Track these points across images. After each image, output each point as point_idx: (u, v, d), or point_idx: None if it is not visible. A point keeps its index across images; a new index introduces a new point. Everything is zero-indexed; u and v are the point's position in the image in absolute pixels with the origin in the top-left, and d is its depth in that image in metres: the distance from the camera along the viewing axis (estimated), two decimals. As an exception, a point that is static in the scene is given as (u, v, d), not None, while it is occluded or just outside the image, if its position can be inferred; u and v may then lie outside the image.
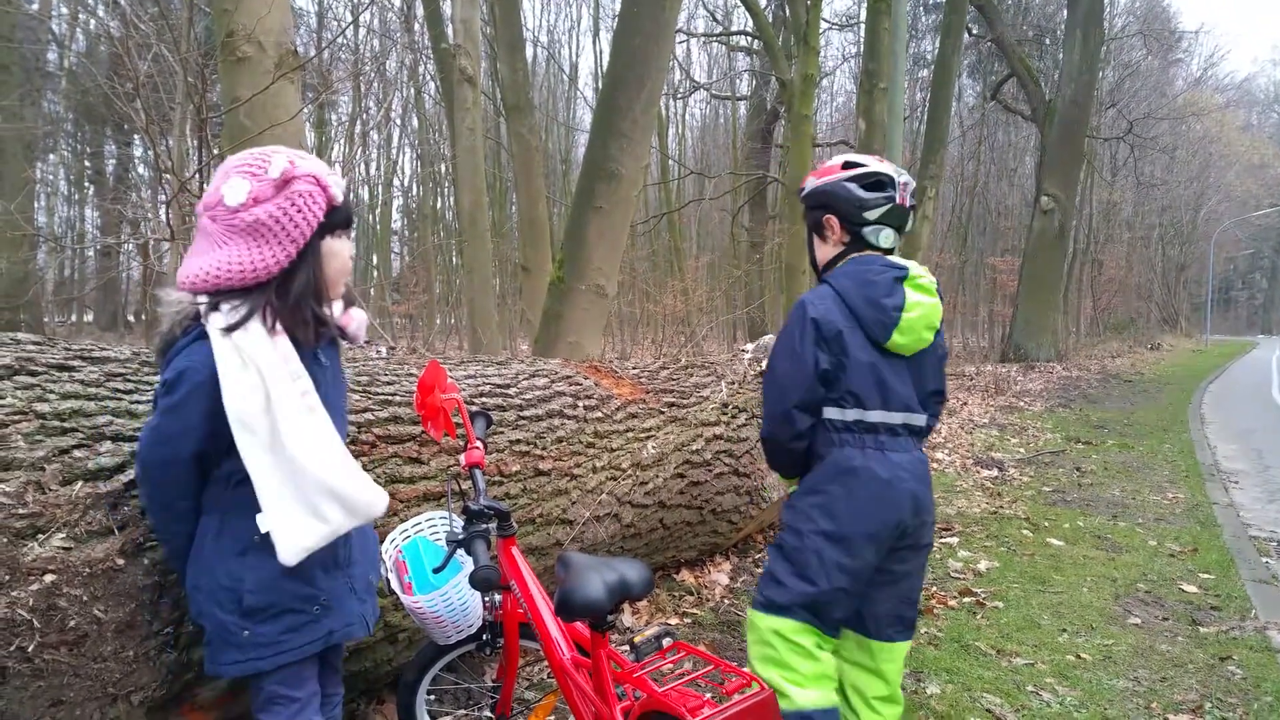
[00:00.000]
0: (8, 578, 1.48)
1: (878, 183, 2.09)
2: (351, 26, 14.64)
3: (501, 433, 2.85)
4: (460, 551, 1.91)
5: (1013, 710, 2.84)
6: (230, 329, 1.47)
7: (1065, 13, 20.43)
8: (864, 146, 10.84)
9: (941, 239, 23.51)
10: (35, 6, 12.34)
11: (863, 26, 14.89)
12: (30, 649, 1.48)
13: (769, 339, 4.59)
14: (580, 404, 3.26)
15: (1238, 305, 64.92)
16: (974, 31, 20.13)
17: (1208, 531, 5.24)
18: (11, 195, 9.71)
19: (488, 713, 2.31)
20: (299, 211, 1.53)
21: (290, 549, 1.50)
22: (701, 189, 20.90)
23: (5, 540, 1.50)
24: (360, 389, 2.50)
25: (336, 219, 1.61)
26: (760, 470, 3.99)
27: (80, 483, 1.64)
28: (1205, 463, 7.68)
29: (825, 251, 2.20)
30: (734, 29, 21.09)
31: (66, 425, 1.71)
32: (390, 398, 2.54)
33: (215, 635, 1.56)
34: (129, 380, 1.96)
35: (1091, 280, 29.59)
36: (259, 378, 1.47)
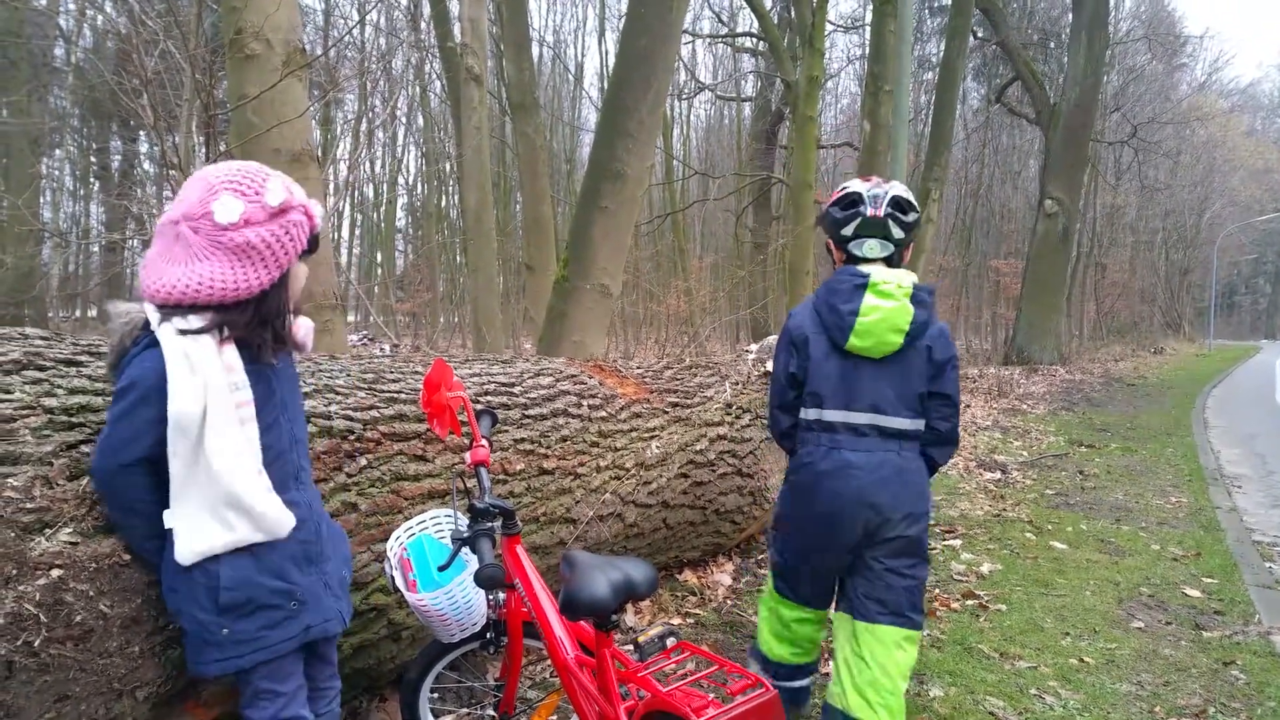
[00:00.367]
0: (15, 572, 1.48)
1: (850, 201, 2.29)
2: (358, 25, 14.68)
3: (506, 431, 2.85)
4: (465, 549, 1.91)
5: (1015, 713, 2.84)
6: (184, 333, 1.50)
7: (1070, 17, 20.42)
8: (869, 149, 10.83)
9: (945, 241, 23.51)
10: (43, 2, 12.35)
11: (868, 29, 14.88)
12: (36, 644, 1.48)
13: (772, 340, 4.60)
14: (585, 403, 3.26)
15: (1241, 310, 64.75)
16: (979, 35, 20.07)
17: (1211, 536, 5.22)
18: (18, 190, 9.72)
19: (490, 711, 2.30)
20: (290, 240, 1.58)
21: (187, 550, 1.52)
22: (706, 189, 20.87)
23: (12, 535, 1.50)
24: (366, 386, 2.50)
25: (310, 245, 1.65)
26: (763, 471, 3.99)
27: (87, 478, 1.64)
28: (1208, 467, 7.66)
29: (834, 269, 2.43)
30: (739, 30, 21.11)
31: (74, 420, 1.71)
32: (396, 395, 2.54)
33: (194, 634, 1.58)
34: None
35: (1095, 284, 29.56)
36: (204, 385, 1.49)
